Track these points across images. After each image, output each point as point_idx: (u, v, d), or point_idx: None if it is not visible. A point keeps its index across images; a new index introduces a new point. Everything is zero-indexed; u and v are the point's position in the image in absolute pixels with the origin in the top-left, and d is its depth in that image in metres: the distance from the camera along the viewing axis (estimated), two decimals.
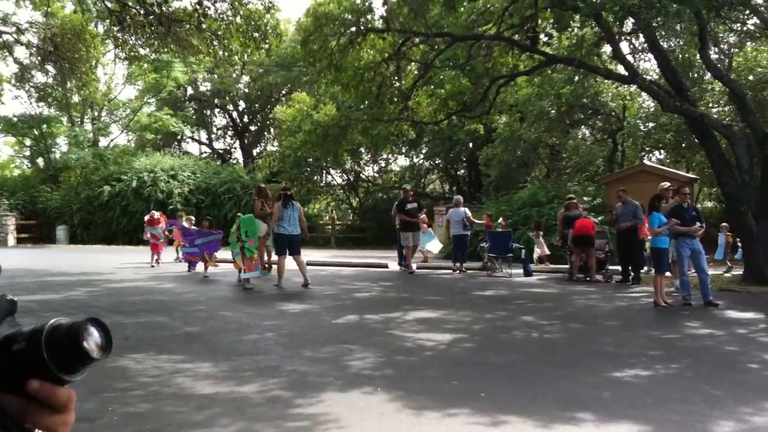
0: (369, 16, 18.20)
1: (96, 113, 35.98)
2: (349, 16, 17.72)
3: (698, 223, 10.42)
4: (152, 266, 16.78)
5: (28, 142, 36.37)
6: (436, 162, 34.36)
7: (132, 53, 18.45)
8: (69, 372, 0.74)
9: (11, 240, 28.55)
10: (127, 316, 9.09)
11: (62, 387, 0.76)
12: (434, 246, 18.40)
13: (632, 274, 13.77)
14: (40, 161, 36.48)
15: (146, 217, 18.17)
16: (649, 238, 11.47)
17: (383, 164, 36.71)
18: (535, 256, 17.02)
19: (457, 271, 16.00)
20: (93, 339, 0.75)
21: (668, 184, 12.55)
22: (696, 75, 21.88)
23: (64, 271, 15.40)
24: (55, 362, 0.73)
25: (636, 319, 9.29)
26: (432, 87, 21.15)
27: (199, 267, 15.21)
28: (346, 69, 18.09)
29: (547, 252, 17.14)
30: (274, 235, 12.44)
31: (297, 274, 12.54)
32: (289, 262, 12.51)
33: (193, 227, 16.71)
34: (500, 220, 17.66)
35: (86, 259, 19.53)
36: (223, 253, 14.94)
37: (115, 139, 37.30)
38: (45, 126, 33.44)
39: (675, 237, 10.51)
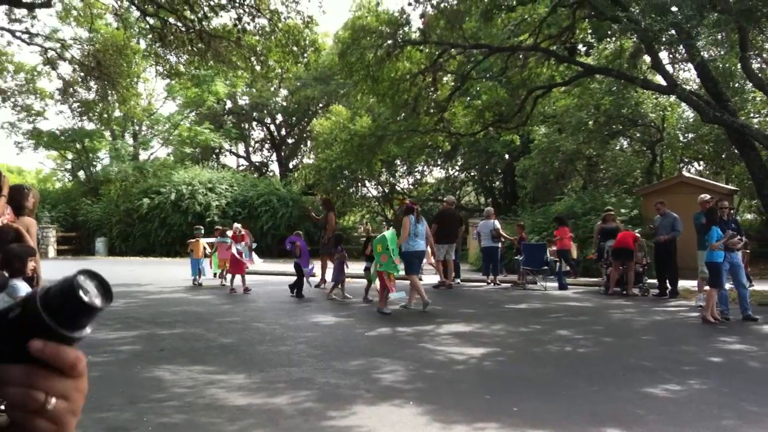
0: (406, 29, 18.30)
1: (137, 127, 36.62)
2: (387, 29, 17.83)
3: (738, 237, 10.26)
4: (232, 289, 14.04)
5: (70, 155, 37.04)
6: (472, 174, 34.22)
7: (172, 70, 18.77)
8: (72, 328, 0.73)
9: (51, 252, 29.09)
10: (163, 327, 9.25)
11: (68, 346, 0.73)
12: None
13: (669, 287, 13.53)
14: (81, 174, 37.18)
15: (230, 232, 14.88)
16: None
17: (418, 176, 36.74)
18: None
19: (491, 284, 15.90)
20: (90, 290, 0.73)
21: (708, 196, 12.32)
22: (737, 84, 21.48)
23: None
24: (55, 319, 0.71)
25: (673, 334, 9.14)
26: (468, 98, 21.13)
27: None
28: (382, 80, 18.19)
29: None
30: (405, 253, 11.46)
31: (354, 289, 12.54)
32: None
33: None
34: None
35: (125, 271, 19.82)
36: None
37: (155, 153, 37.93)
38: (87, 140, 34.06)
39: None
